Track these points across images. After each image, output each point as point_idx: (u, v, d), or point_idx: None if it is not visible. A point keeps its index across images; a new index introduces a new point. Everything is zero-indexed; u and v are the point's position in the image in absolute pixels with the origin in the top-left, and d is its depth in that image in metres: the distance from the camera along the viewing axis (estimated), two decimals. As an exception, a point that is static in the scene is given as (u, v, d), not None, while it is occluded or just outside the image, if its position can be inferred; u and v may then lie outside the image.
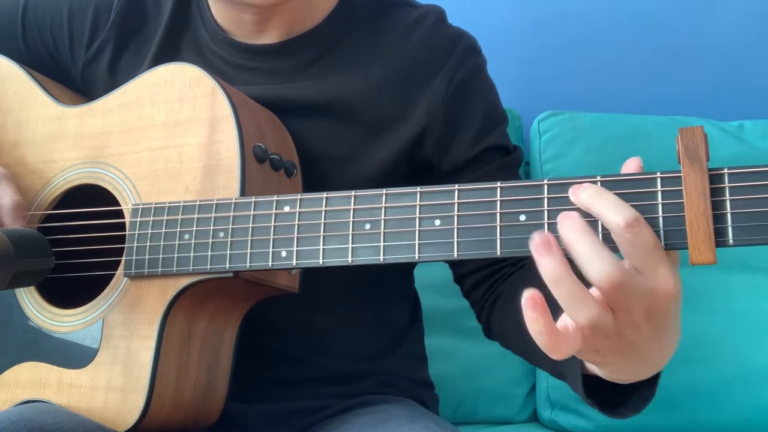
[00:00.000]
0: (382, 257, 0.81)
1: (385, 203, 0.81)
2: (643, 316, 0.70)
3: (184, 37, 1.15)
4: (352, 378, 1.14)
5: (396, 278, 1.22)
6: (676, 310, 0.72)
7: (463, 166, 1.11)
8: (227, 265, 0.89)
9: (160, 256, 0.93)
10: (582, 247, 0.68)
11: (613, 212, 0.69)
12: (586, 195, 0.71)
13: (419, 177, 1.12)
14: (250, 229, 0.88)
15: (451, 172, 1.11)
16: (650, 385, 0.81)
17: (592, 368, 0.80)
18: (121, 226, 0.98)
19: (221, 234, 0.90)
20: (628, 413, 0.84)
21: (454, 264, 1.17)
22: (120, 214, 1.00)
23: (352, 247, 0.83)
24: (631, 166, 0.74)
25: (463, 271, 1.15)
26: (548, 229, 0.73)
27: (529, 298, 0.66)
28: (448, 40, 1.13)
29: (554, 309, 0.68)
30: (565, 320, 0.72)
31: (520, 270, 1.09)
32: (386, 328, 1.20)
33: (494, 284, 1.11)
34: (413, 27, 1.13)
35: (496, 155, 1.13)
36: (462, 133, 1.12)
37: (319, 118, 1.09)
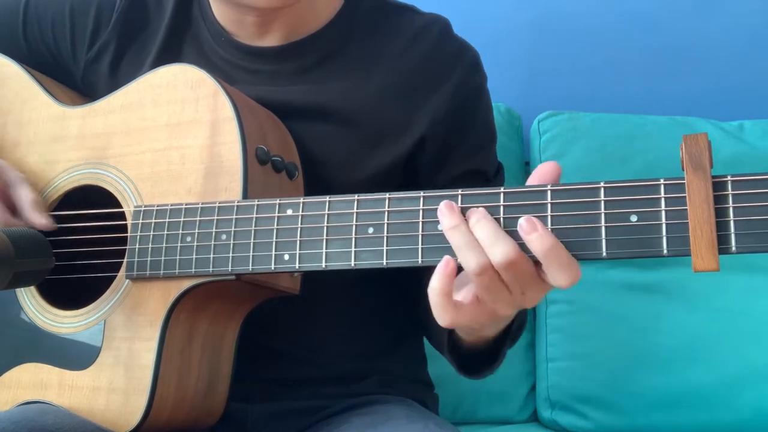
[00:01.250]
0: (385, 261, 0.81)
1: (389, 207, 0.82)
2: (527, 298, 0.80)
3: (186, 38, 1.15)
4: (352, 378, 1.14)
5: (396, 279, 1.22)
6: None
7: (450, 182, 1.12)
8: (229, 268, 0.89)
9: (162, 258, 0.93)
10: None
11: (558, 272, 0.76)
12: (538, 245, 0.76)
13: (408, 187, 1.12)
14: (253, 232, 0.88)
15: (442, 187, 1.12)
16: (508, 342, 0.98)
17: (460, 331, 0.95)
18: (123, 228, 0.98)
19: (223, 236, 0.90)
20: (486, 373, 1.02)
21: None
22: (122, 215, 0.99)
23: (355, 251, 0.83)
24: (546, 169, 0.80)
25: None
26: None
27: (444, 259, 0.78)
28: (452, 53, 1.13)
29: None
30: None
31: None
32: (386, 328, 1.20)
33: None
34: (418, 36, 1.13)
35: (474, 181, 1.14)
36: (457, 150, 1.13)
37: (319, 122, 1.09)
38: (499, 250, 0.75)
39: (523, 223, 0.75)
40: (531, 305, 0.81)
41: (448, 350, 1.00)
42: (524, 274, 0.77)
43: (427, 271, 1.09)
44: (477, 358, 1.01)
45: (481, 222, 0.77)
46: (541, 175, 0.79)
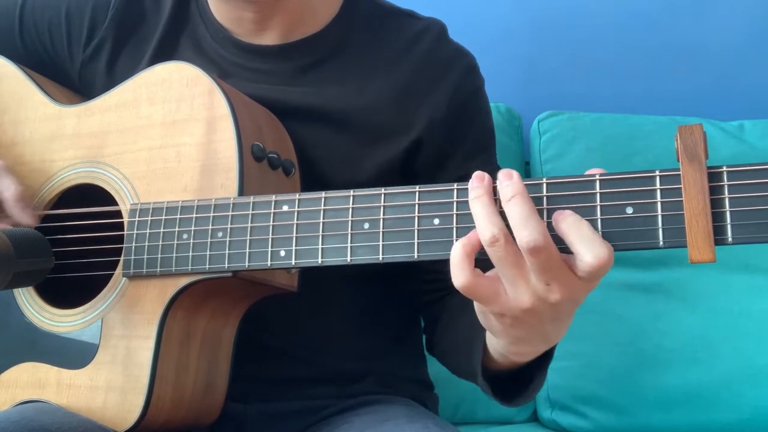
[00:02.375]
0: (381, 256, 0.81)
1: (384, 203, 0.81)
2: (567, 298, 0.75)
3: (183, 35, 1.15)
4: (351, 378, 1.14)
5: (396, 278, 1.22)
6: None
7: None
8: (226, 265, 0.89)
9: (159, 256, 0.93)
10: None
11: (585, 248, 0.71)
12: (565, 225, 0.73)
13: None
14: (249, 229, 0.88)
15: None
16: (542, 373, 0.90)
17: (494, 351, 0.88)
18: (120, 226, 0.98)
19: (220, 234, 0.90)
20: (520, 402, 0.93)
21: (420, 280, 1.18)
22: (118, 214, 0.99)
23: (351, 247, 0.82)
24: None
25: (421, 289, 1.17)
26: (548, 227, 0.73)
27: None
28: (448, 57, 1.14)
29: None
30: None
31: None
32: (386, 327, 1.20)
33: (443, 299, 1.14)
34: (415, 40, 1.14)
35: None
36: (455, 152, 1.13)
37: (316, 123, 1.09)
38: (527, 232, 0.71)
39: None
40: (556, 303, 0.75)
41: (481, 375, 0.92)
42: (549, 260, 0.72)
43: (444, 312, 1.11)
44: (510, 382, 0.93)
45: (516, 198, 0.73)
46: None
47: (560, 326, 0.80)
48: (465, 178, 1.11)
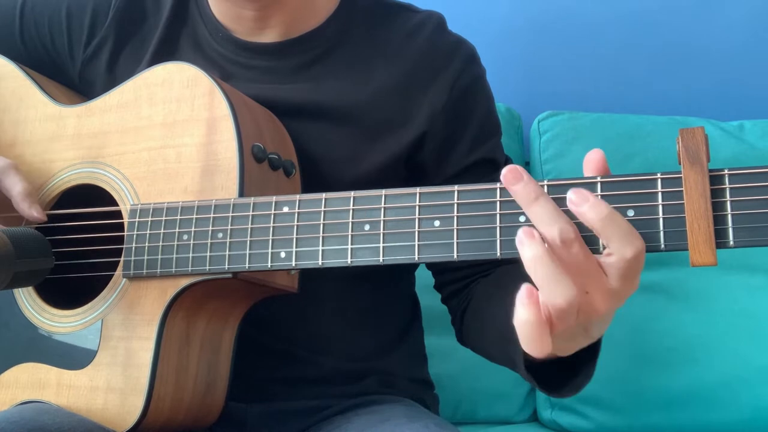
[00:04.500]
0: (381, 258, 0.81)
1: (385, 204, 0.81)
2: (601, 298, 0.72)
3: (183, 34, 1.15)
4: (352, 378, 1.14)
5: (396, 278, 1.22)
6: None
7: (457, 174, 1.13)
8: (226, 266, 0.89)
9: (159, 256, 0.93)
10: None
11: (621, 243, 0.70)
12: (593, 214, 0.70)
13: (414, 182, 1.13)
14: (249, 230, 0.88)
15: (445, 181, 1.12)
16: (591, 364, 0.86)
17: None
18: (120, 227, 0.98)
19: (220, 235, 0.90)
20: (568, 393, 0.88)
21: (437, 271, 1.19)
22: (118, 214, 0.99)
23: (351, 248, 0.82)
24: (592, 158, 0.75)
25: (446, 279, 1.17)
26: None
27: (526, 288, 0.71)
28: (448, 47, 1.14)
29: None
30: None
31: (495, 271, 1.10)
32: (386, 327, 1.20)
33: (468, 287, 1.13)
34: (413, 33, 1.14)
35: (487, 168, 1.14)
36: (460, 142, 1.13)
37: (317, 120, 1.09)
38: (559, 227, 0.70)
39: (572, 196, 0.71)
40: (598, 313, 0.73)
41: (524, 368, 0.89)
42: (581, 260, 0.70)
43: (472, 301, 1.10)
44: (555, 372, 0.89)
45: (540, 200, 0.71)
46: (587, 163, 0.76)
47: (602, 325, 0.78)
48: (479, 162, 1.14)
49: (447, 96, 1.11)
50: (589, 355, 0.85)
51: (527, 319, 0.71)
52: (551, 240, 0.70)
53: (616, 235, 0.70)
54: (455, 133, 1.13)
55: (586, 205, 0.70)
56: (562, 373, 0.88)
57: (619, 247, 0.70)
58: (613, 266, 0.71)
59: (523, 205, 0.72)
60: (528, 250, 0.70)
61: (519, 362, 0.87)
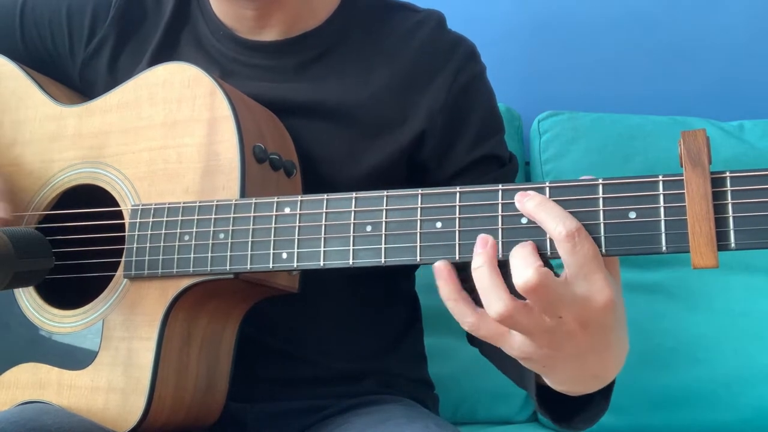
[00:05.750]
0: (383, 259, 0.81)
1: (387, 205, 0.81)
2: (578, 325, 0.72)
3: (184, 33, 1.15)
4: (352, 378, 1.14)
5: (396, 278, 1.22)
6: (615, 322, 0.75)
7: (459, 172, 1.12)
8: (228, 267, 0.89)
9: (160, 257, 0.93)
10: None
11: (555, 222, 0.71)
12: (531, 204, 0.74)
13: (417, 181, 1.13)
14: (251, 231, 0.88)
15: (448, 179, 1.12)
16: (604, 398, 0.85)
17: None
18: (121, 227, 0.98)
19: (221, 235, 0.90)
20: (580, 426, 0.87)
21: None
22: (119, 214, 0.99)
23: (353, 249, 0.82)
24: None
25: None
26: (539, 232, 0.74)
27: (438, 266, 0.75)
28: (447, 45, 1.14)
29: None
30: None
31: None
32: (386, 327, 1.20)
33: (474, 290, 1.12)
34: (413, 31, 1.14)
35: (491, 165, 1.14)
36: (460, 139, 1.12)
37: (318, 119, 1.09)
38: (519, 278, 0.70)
39: (517, 196, 0.75)
40: (574, 335, 0.73)
41: (537, 402, 0.88)
42: (547, 293, 0.70)
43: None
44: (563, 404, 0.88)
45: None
46: None
47: (601, 356, 0.78)
48: (476, 165, 1.13)
49: (446, 94, 1.11)
50: (602, 394, 0.85)
51: (443, 295, 0.76)
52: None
53: (549, 216, 0.72)
54: (456, 130, 1.12)
55: (525, 199, 0.74)
56: (573, 408, 0.87)
57: (554, 227, 0.71)
58: (563, 257, 0.71)
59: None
60: (475, 259, 0.74)
61: (530, 389, 0.88)
